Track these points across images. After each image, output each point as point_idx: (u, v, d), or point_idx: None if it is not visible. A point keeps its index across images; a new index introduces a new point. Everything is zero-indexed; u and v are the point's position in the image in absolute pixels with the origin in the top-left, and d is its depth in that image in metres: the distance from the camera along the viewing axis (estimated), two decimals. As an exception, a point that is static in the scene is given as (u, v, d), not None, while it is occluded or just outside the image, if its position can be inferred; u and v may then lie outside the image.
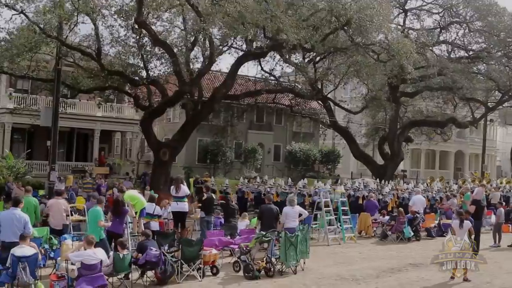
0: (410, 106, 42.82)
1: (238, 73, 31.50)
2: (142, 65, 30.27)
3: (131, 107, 38.39)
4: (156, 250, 12.61)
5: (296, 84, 37.35)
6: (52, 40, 26.64)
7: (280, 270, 14.46)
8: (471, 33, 37.21)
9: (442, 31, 38.41)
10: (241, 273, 14.17)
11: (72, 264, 11.46)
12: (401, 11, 38.09)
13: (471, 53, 38.05)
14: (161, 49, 29.89)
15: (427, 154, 61.32)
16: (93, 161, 39.05)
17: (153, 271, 12.64)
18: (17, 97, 35.13)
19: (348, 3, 25.04)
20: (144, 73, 30.38)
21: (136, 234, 14.57)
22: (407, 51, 26.33)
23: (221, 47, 30.14)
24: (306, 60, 33.87)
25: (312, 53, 30.46)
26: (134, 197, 15.29)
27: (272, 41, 25.84)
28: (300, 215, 16.20)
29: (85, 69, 30.25)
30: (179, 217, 16.74)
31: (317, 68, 35.01)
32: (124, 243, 12.24)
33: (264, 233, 14.28)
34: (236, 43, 32.14)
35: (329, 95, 39.45)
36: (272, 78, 35.79)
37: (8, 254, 11.47)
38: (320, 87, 36.51)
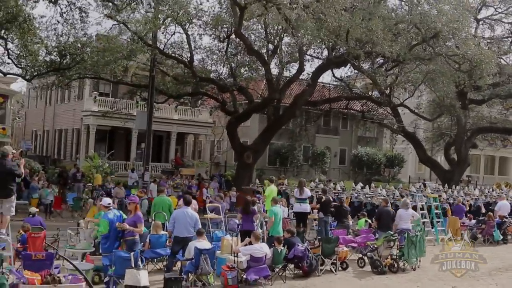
0: (474, 113, 43.43)
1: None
2: (229, 72, 31.91)
3: (206, 110, 40.10)
4: (302, 246, 14.06)
5: (358, 90, 38.38)
6: (148, 48, 28.42)
7: (402, 267, 15.79)
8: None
9: (514, 40, 39.11)
10: (365, 268, 15.61)
11: (235, 256, 12.97)
12: (473, 20, 38.73)
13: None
14: (248, 57, 31.48)
15: (487, 160, 61.75)
16: (169, 162, 40.81)
17: (300, 264, 14.07)
18: (105, 101, 37.01)
19: (437, 16, 26.12)
20: (230, 80, 31.99)
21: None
22: (489, 61, 27.37)
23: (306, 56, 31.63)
24: (375, 67, 34.99)
25: (394, 62, 31.36)
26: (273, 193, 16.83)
27: (362, 51, 26.94)
28: (412, 217, 17.58)
29: (173, 77, 31.94)
30: (301, 217, 18.23)
31: (388, 76, 36.08)
32: (280, 239, 13.69)
33: (391, 232, 15.63)
34: (315, 51, 33.64)
35: (394, 102, 40.33)
36: (343, 84, 36.99)
37: (179, 247, 13.09)
38: (389, 93, 37.51)
